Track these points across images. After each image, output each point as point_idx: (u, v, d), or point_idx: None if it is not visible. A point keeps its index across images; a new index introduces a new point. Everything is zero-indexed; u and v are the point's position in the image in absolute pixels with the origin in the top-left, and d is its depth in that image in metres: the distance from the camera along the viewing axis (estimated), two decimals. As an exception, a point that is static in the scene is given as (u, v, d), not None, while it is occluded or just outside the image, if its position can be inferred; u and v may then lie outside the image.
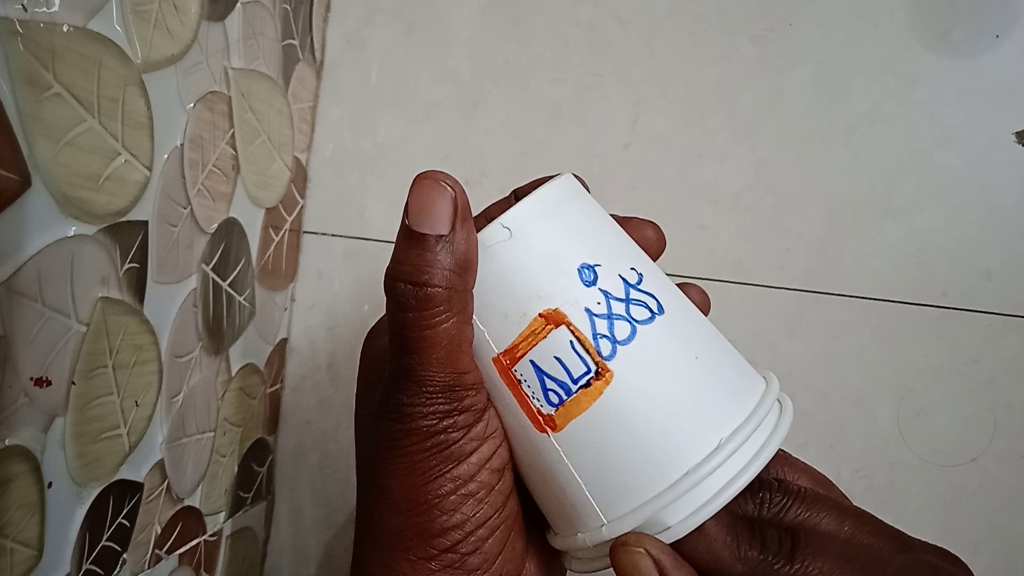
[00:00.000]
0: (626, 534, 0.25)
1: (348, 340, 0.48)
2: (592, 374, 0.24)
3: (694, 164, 0.44)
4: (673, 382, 0.25)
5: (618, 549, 0.25)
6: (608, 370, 0.24)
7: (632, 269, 0.26)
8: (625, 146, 0.45)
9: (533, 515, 0.29)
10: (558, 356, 0.25)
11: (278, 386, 0.48)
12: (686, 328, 0.26)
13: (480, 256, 0.25)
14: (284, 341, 0.48)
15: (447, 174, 0.24)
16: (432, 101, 0.47)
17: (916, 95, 0.42)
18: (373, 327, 0.30)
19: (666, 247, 0.31)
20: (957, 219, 0.41)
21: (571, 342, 0.25)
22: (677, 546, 0.24)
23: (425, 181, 0.24)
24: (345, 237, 0.48)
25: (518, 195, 0.31)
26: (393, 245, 0.25)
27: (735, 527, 0.24)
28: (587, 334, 0.25)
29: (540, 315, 0.25)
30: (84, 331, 0.29)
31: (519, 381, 0.25)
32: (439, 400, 0.24)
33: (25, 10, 0.24)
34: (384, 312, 0.30)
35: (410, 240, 0.24)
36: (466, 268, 0.24)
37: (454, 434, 0.25)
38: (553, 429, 0.25)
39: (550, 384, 0.25)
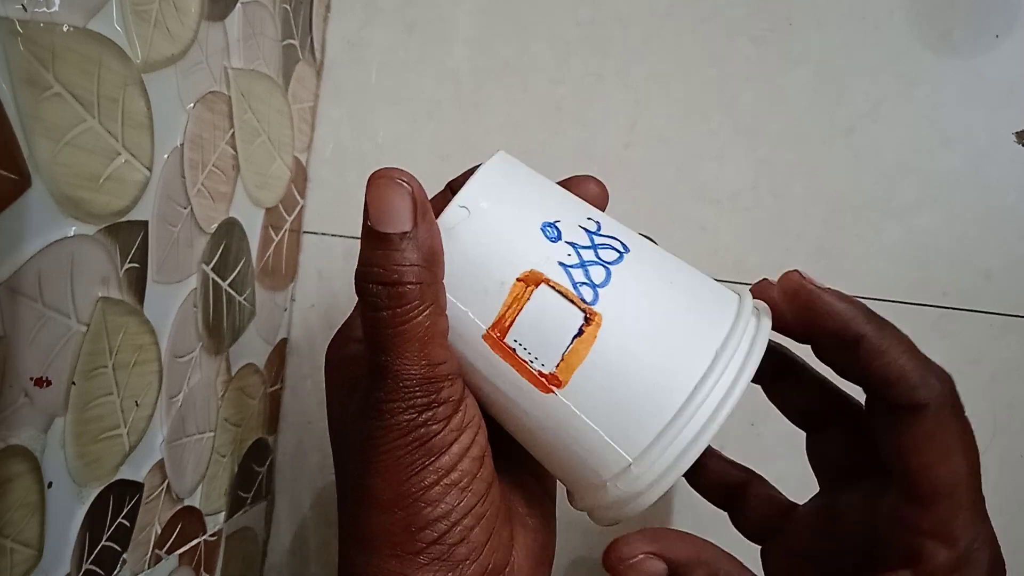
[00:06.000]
0: (616, 545, 0.26)
1: (348, 340, 0.48)
2: (582, 321, 0.25)
3: (694, 164, 0.44)
4: (658, 308, 0.26)
5: (617, 568, 0.26)
6: (596, 313, 0.25)
7: (589, 219, 0.27)
8: (625, 146, 0.45)
9: (520, 507, 0.29)
10: (546, 314, 0.25)
11: (278, 386, 0.48)
12: (653, 259, 0.27)
13: (444, 240, 0.25)
14: (284, 341, 0.48)
15: (401, 170, 0.25)
16: (432, 101, 0.47)
17: (916, 95, 0.42)
18: (335, 337, 0.30)
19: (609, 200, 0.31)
20: (957, 219, 0.41)
21: (554, 297, 0.25)
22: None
23: (380, 180, 0.24)
24: (345, 237, 0.48)
25: (453, 187, 0.32)
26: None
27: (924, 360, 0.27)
28: (567, 285, 0.25)
29: (518, 279, 0.25)
30: (84, 331, 0.29)
31: (513, 350, 0.26)
32: (417, 394, 0.24)
33: (25, 10, 0.24)
34: (342, 322, 0.30)
35: (374, 240, 0.24)
36: (433, 260, 0.25)
37: (434, 426, 0.25)
38: (558, 386, 0.25)
39: (545, 342, 0.25)
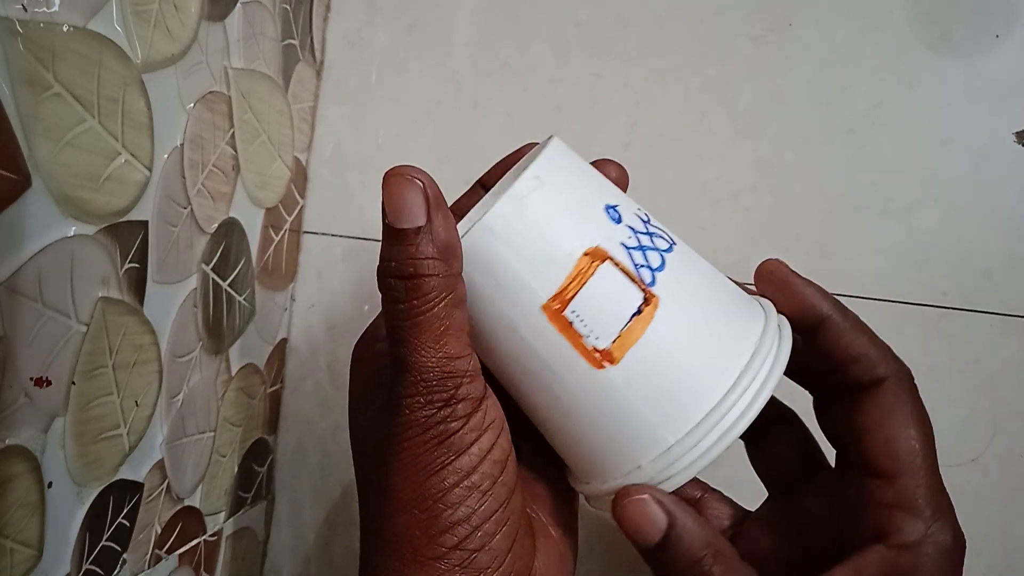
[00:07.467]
0: (627, 487, 0.26)
1: (348, 340, 0.48)
2: (641, 301, 0.26)
3: (694, 164, 0.44)
4: (707, 297, 0.27)
5: (622, 500, 0.26)
6: (654, 295, 0.26)
7: (639, 208, 0.28)
8: (625, 146, 0.45)
9: (542, 516, 0.29)
10: (606, 290, 0.26)
11: (278, 386, 0.48)
12: (695, 255, 0.29)
13: (515, 209, 0.26)
14: (284, 341, 0.48)
15: (413, 167, 0.25)
16: (432, 101, 0.47)
17: (916, 95, 0.42)
18: (361, 336, 0.30)
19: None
20: (957, 219, 0.41)
21: (617, 275, 0.26)
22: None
23: (393, 178, 0.25)
24: (345, 237, 0.48)
25: (484, 183, 0.32)
26: None
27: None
28: (629, 266, 0.26)
29: (585, 253, 0.26)
30: (84, 331, 0.29)
31: (570, 323, 0.26)
32: (435, 389, 0.24)
33: (25, 10, 0.24)
34: (370, 321, 0.31)
35: (392, 236, 0.25)
36: (449, 253, 0.25)
37: (453, 424, 0.25)
38: (612, 362, 0.26)
39: (603, 318, 0.26)
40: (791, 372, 0.32)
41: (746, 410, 0.25)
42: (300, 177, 0.47)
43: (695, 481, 0.34)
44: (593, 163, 0.31)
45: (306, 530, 0.49)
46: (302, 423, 0.49)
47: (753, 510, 0.32)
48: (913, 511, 0.26)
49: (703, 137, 0.44)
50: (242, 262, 0.41)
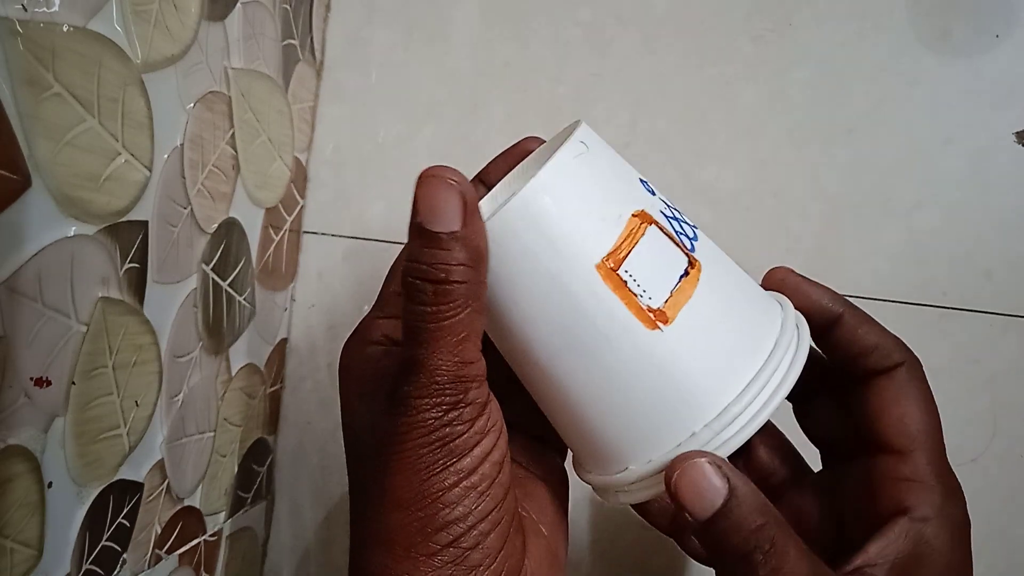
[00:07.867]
0: (685, 453, 0.26)
1: (348, 340, 0.48)
2: (687, 263, 0.26)
3: (694, 164, 0.44)
4: (737, 273, 0.28)
5: (680, 466, 0.25)
6: (696, 260, 0.27)
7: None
8: (625, 146, 0.45)
9: (534, 515, 0.29)
10: (655, 251, 0.26)
11: (278, 386, 0.48)
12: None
13: (569, 168, 0.26)
14: (284, 341, 0.48)
15: (452, 169, 0.25)
16: (432, 101, 0.47)
17: (916, 95, 0.42)
18: (351, 338, 0.30)
19: None
20: (957, 219, 0.41)
21: (663, 238, 0.26)
22: None
23: (432, 179, 0.24)
24: (345, 237, 0.48)
25: (483, 178, 0.32)
26: (400, 243, 0.25)
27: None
28: (671, 231, 0.27)
29: (634, 215, 0.26)
30: (84, 331, 0.29)
31: (624, 282, 0.26)
32: (446, 391, 0.24)
33: (25, 10, 0.24)
34: (339, 322, 0.30)
35: (423, 238, 0.24)
36: (479, 260, 0.25)
37: (459, 427, 0.25)
38: (665, 322, 0.26)
39: (655, 278, 0.26)
40: None
41: (791, 366, 0.26)
42: (300, 177, 0.47)
43: None
44: None
45: (306, 530, 0.49)
46: (302, 423, 0.49)
47: None
48: (927, 485, 0.27)
49: (703, 137, 0.44)
50: (242, 262, 0.41)
